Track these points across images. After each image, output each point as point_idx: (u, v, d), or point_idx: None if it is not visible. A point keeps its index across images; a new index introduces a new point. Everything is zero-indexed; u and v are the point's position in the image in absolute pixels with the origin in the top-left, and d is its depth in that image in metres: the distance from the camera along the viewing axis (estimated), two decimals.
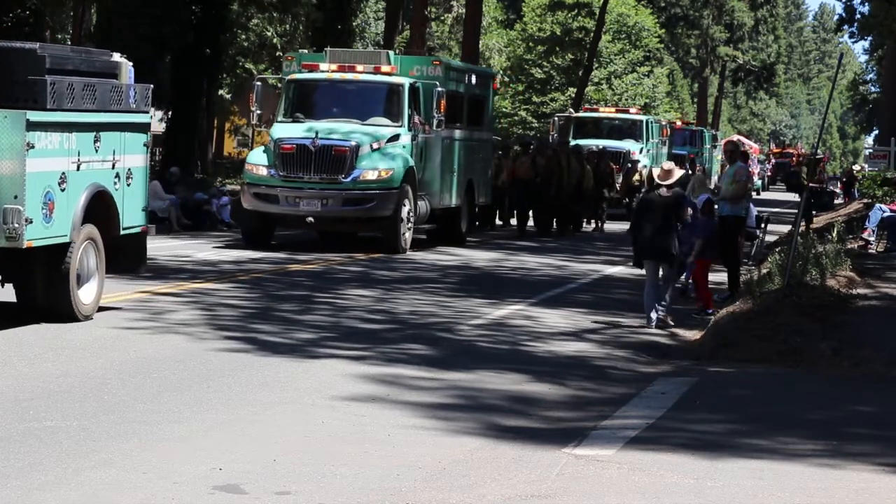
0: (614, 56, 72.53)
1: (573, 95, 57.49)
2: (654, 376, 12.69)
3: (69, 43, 54.60)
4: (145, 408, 10.01)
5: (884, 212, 27.67)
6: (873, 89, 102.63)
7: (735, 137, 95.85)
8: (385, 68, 25.87)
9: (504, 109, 71.47)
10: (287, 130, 24.81)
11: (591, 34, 60.14)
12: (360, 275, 20.72)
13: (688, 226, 17.00)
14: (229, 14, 42.01)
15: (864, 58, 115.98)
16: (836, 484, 8.58)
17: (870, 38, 65.74)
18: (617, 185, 38.70)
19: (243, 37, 48.09)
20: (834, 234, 24.72)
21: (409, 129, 25.43)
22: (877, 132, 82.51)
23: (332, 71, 25.80)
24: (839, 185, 70.42)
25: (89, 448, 8.65)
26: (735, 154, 19.89)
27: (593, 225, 36.17)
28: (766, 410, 11.08)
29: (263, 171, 24.52)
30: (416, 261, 23.96)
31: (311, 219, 24.26)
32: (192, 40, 37.26)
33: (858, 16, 54.71)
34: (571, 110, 52.75)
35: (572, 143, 40.61)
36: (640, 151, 42.27)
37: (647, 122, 44.31)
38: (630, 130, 43.33)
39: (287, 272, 20.40)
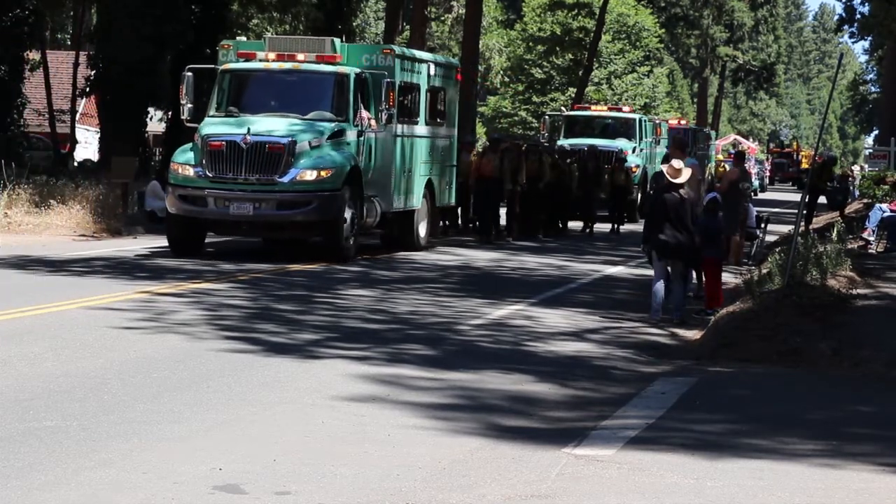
0: (614, 56, 72.56)
1: (573, 95, 57.48)
2: (654, 376, 12.69)
3: (69, 43, 54.64)
4: (145, 408, 10.01)
5: (884, 212, 27.67)
6: (873, 89, 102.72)
7: (732, 137, 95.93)
8: (329, 57, 23.38)
9: (504, 109, 71.54)
10: (217, 126, 22.29)
11: (591, 34, 60.16)
12: (360, 275, 20.72)
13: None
14: (229, 14, 42.03)
15: (864, 58, 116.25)
16: (836, 484, 8.58)
17: (870, 38, 65.77)
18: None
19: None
20: (834, 234, 24.73)
21: (356, 125, 22.96)
22: (877, 132, 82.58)
23: (271, 60, 23.34)
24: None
25: (89, 448, 8.65)
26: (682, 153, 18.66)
27: (582, 226, 34.85)
28: (766, 410, 11.08)
29: (190, 172, 21.95)
30: (416, 261, 23.95)
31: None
32: (192, 40, 37.26)
33: (858, 16, 54.74)
34: (563, 108, 52.39)
35: (562, 142, 39.85)
36: (633, 151, 41.08)
37: (639, 120, 43.18)
38: (623, 129, 42.04)
39: (287, 272, 20.40)
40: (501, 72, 72.49)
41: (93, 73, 39.23)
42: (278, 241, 24.06)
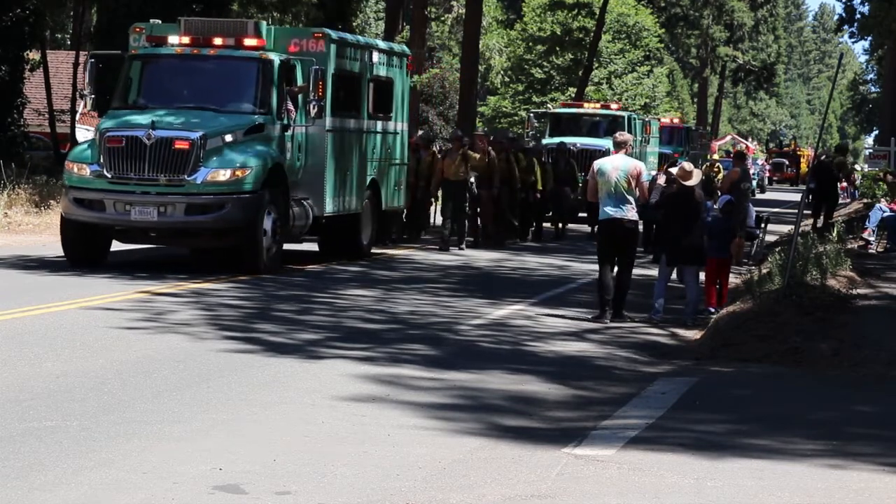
0: (614, 56, 72.54)
1: (573, 95, 57.46)
2: (655, 376, 12.69)
3: (69, 43, 54.57)
4: (145, 408, 10.02)
5: (884, 212, 27.67)
6: (873, 89, 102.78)
7: (729, 136, 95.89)
8: (251, 42, 20.65)
9: (504, 109, 71.53)
10: (118, 120, 19.79)
11: (591, 34, 60.10)
12: (359, 275, 20.71)
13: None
14: (229, 14, 42.01)
15: (864, 58, 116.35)
16: (837, 484, 8.58)
17: (870, 38, 65.77)
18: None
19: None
20: (834, 234, 24.74)
21: (279, 118, 20.34)
22: (877, 132, 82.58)
23: (184, 45, 20.69)
24: (839, 185, 69.99)
25: (89, 448, 8.65)
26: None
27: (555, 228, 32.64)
28: (766, 410, 11.08)
29: (86, 171, 19.43)
30: (416, 261, 23.95)
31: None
32: None
33: (858, 16, 54.69)
34: (550, 106, 51.77)
35: (546, 141, 38.86)
36: None
37: (628, 118, 41.56)
38: (611, 127, 39.56)
39: (286, 272, 20.39)
40: (501, 72, 72.48)
41: None
42: (205, 249, 21.17)
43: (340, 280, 19.77)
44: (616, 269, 16.61)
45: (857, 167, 68.45)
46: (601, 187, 16.40)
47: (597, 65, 66.78)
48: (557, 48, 69.61)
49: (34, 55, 40.20)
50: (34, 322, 14.06)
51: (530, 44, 70.79)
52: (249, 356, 12.57)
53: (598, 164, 16.73)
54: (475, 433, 9.77)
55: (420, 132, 33.45)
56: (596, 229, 17.51)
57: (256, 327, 14.37)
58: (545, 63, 70.01)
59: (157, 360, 12.17)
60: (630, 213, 16.43)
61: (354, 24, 53.16)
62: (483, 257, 25.34)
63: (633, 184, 16.39)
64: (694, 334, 15.98)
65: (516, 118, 70.48)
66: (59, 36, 67.75)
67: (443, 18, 67.34)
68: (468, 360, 13.04)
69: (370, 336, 14.23)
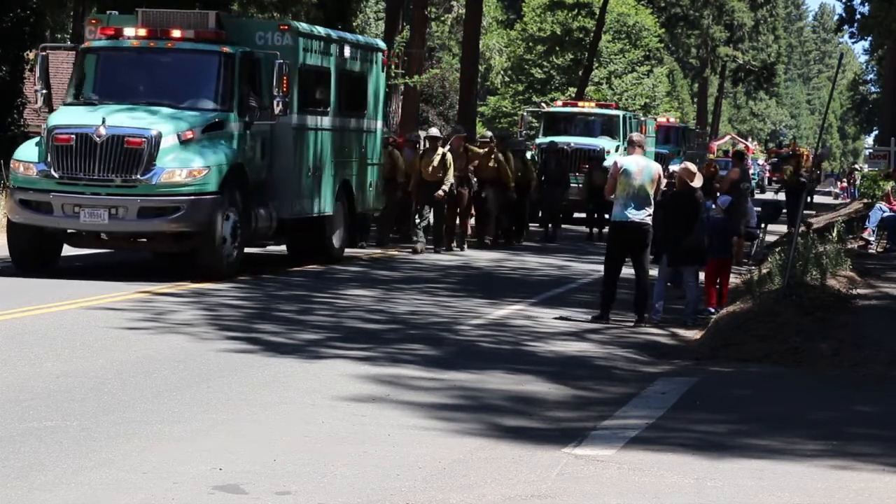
0: (614, 56, 72.55)
1: (573, 95, 57.48)
2: (655, 376, 12.70)
3: (69, 43, 54.58)
4: (145, 408, 10.02)
5: (884, 212, 27.68)
6: (873, 89, 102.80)
7: (728, 136, 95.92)
8: (212, 34, 19.65)
9: (504, 109, 71.58)
10: (68, 116, 18.72)
11: (591, 34, 60.10)
12: (359, 275, 20.72)
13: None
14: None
15: (864, 58, 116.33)
16: (837, 484, 8.58)
17: (870, 38, 65.76)
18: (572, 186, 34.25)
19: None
20: (834, 234, 24.73)
21: (241, 115, 19.29)
22: (877, 132, 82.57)
23: (140, 37, 19.63)
24: (839, 184, 70.14)
25: (89, 448, 8.65)
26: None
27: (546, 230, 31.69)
28: (766, 410, 11.09)
29: (33, 171, 18.37)
30: (416, 261, 23.94)
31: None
32: None
33: (858, 16, 54.68)
34: (544, 104, 51.52)
35: (539, 140, 37.84)
36: (617, 150, 37.12)
37: (624, 117, 40.61)
38: (606, 127, 39.48)
39: (286, 272, 20.39)
40: (501, 72, 72.49)
41: None
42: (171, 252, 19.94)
43: (341, 280, 19.77)
44: (634, 273, 16.52)
45: (857, 167, 68.47)
46: (622, 187, 16.13)
47: (597, 65, 66.78)
48: (557, 48, 69.62)
49: (34, 55, 40.22)
50: (34, 322, 14.07)
51: (530, 44, 70.79)
52: (249, 356, 12.57)
53: (623, 163, 16.36)
54: (475, 433, 9.77)
55: (419, 132, 33.27)
56: (606, 229, 17.25)
57: (257, 327, 14.37)
58: (545, 63, 70.03)
59: (158, 360, 12.17)
60: (648, 216, 16.32)
61: (354, 24, 53.13)
62: (483, 257, 25.34)
63: (654, 187, 16.33)
64: (694, 334, 15.98)
65: (516, 118, 70.55)
66: (59, 36, 67.77)
67: (443, 18, 67.34)
68: (468, 360, 13.05)
69: (370, 336, 14.23)
